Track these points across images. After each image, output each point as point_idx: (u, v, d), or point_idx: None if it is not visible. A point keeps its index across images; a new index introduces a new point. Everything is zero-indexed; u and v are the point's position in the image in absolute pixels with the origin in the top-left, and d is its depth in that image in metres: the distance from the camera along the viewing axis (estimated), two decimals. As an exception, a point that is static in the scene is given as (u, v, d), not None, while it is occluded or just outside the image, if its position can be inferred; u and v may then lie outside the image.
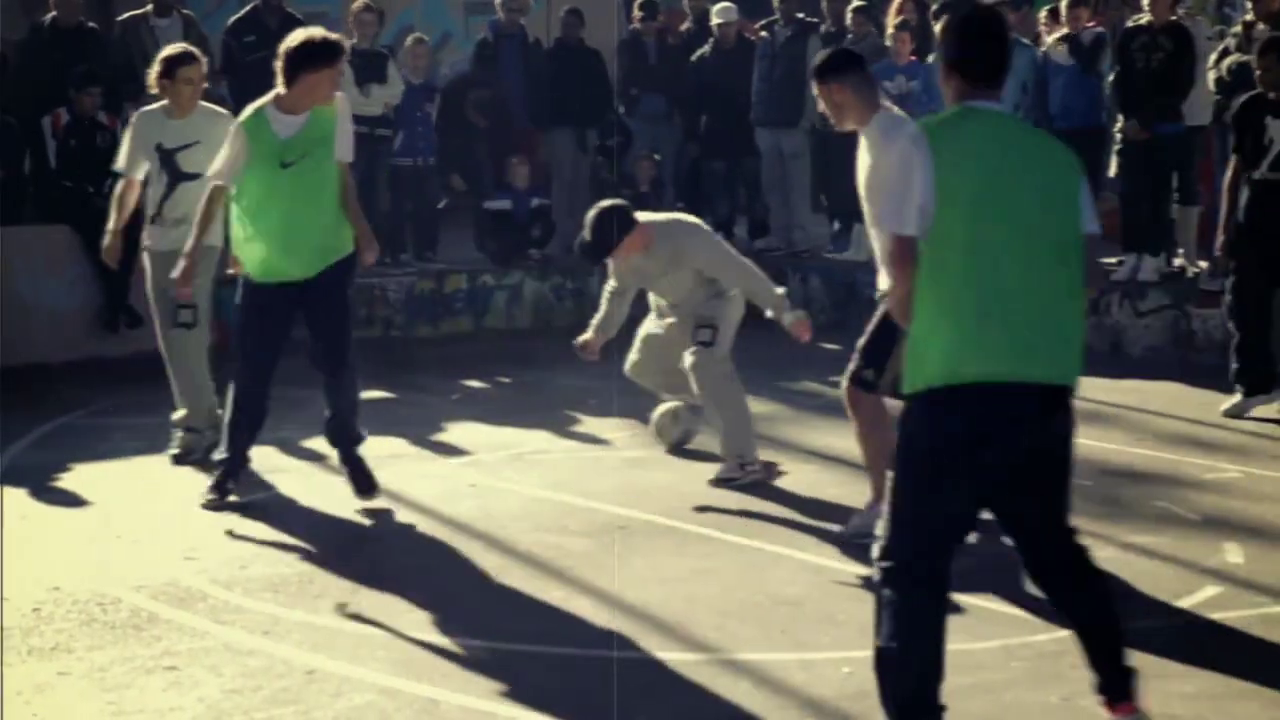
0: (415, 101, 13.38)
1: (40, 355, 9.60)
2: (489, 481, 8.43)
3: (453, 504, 7.92)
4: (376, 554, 7.13)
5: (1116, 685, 4.93)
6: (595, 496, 8.04)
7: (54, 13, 12.41)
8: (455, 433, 9.63)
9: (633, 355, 8.82)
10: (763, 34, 14.26)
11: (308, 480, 8.21)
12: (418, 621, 6.20)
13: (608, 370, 10.99)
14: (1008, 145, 4.82)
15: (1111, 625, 4.97)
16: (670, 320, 8.59)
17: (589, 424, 9.82)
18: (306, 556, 7.07)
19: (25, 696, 5.45)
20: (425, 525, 7.58)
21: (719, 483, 8.19)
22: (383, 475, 8.22)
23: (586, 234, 8.30)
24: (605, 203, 8.43)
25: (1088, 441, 9.22)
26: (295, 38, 7.59)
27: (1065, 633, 5.98)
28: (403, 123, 13.28)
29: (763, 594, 6.55)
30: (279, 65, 7.55)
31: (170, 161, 8.65)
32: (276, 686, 5.53)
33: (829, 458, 8.70)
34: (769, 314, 8.34)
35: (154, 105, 8.77)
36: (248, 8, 13.21)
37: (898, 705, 4.78)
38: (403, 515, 7.73)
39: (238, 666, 5.72)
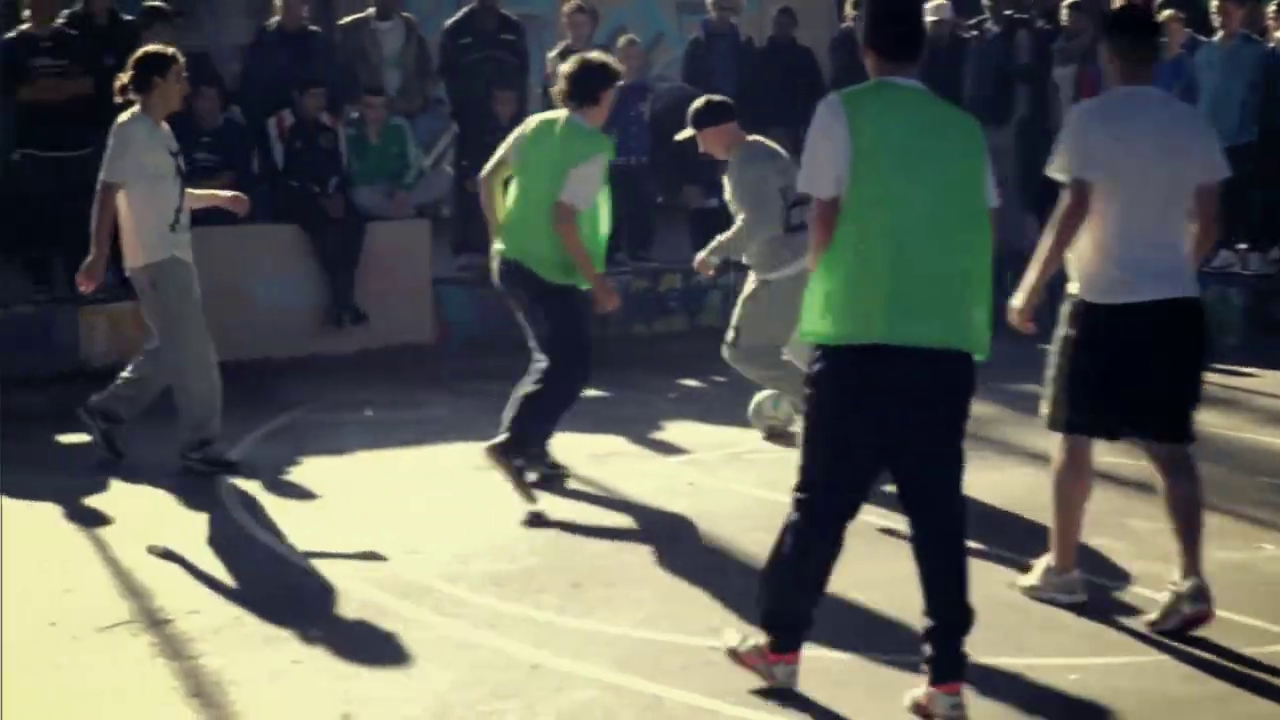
0: (629, 101, 13.39)
1: (266, 350, 9.83)
2: (707, 480, 8.46)
3: (671, 502, 7.97)
4: (597, 551, 7.18)
5: (944, 668, 5.15)
6: (812, 496, 8.00)
7: (279, 17, 12.74)
8: (672, 431, 9.68)
9: None
10: (974, 32, 14.14)
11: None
12: (640, 619, 6.25)
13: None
14: (920, 118, 5.12)
15: (958, 615, 5.19)
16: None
17: (805, 423, 9.79)
18: (527, 553, 7.16)
19: (260, 683, 5.59)
20: (644, 523, 7.63)
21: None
22: (601, 473, 8.32)
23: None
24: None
25: (1270, 439, 9.06)
26: (588, 60, 7.98)
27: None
28: (616, 122, 13.32)
29: (985, 597, 6.41)
30: (575, 89, 7.88)
31: (179, 167, 8.52)
32: (500, 680, 5.61)
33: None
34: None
35: (131, 113, 8.44)
36: (464, 10, 13.41)
37: (768, 611, 5.37)
38: (622, 513, 7.80)
39: (463, 660, 5.81)
